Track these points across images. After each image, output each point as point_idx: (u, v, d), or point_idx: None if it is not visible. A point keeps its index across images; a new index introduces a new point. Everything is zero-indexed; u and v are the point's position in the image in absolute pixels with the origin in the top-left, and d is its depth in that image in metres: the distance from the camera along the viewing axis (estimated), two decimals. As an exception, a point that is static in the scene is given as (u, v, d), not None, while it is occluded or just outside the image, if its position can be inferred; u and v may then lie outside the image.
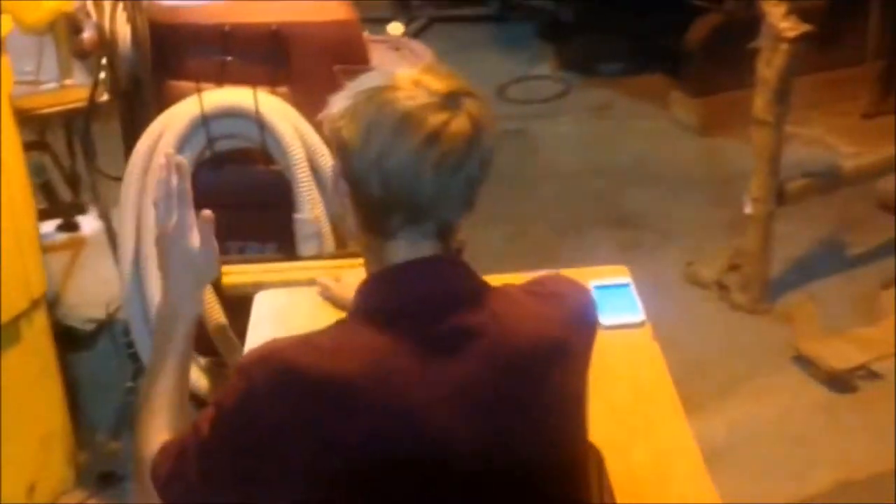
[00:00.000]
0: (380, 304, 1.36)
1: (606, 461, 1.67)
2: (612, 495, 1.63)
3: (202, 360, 2.76)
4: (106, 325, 3.30)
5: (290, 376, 1.28)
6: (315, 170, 2.69)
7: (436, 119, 1.31)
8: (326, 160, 2.65)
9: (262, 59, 2.71)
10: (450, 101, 1.33)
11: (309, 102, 2.68)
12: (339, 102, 1.38)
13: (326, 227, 2.70)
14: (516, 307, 1.40)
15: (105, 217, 3.22)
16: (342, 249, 2.65)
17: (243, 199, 2.77)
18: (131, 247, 2.69)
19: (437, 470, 1.30)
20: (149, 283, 2.68)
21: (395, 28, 3.02)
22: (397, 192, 1.33)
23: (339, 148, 1.38)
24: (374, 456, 1.27)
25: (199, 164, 2.66)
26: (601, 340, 1.73)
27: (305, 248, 2.67)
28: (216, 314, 2.70)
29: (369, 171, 1.33)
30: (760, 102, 3.41)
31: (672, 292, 3.71)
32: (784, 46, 3.27)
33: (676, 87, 5.29)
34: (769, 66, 3.34)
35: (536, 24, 6.41)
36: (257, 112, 2.61)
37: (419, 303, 1.35)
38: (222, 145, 2.70)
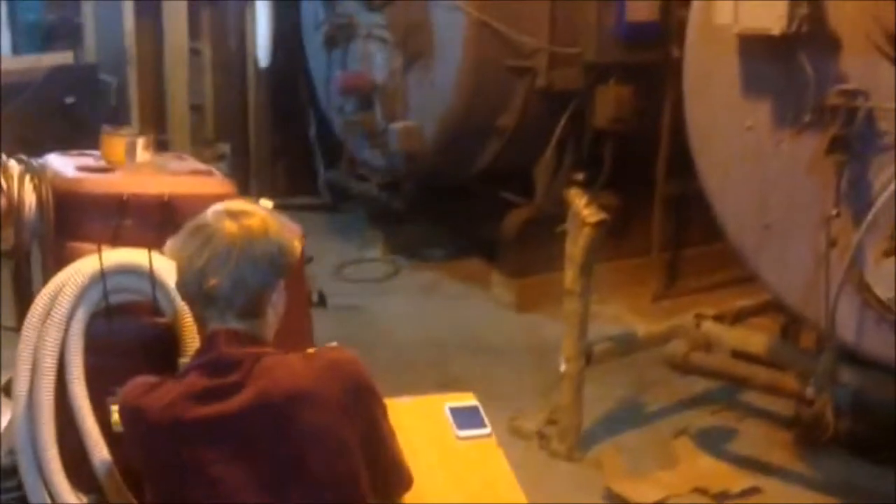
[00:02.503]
0: (189, 364, 2.00)
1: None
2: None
3: (85, 498, 2.96)
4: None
5: (123, 402, 2.01)
6: (198, 321, 3.05)
7: (212, 226, 1.95)
8: (208, 313, 3.04)
9: (154, 225, 3.09)
10: (230, 215, 1.96)
11: (194, 264, 3.08)
12: None
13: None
14: (282, 367, 1.95)
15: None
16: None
17: (131, 348, 3.08)
18: (25, 392, 2.92)
19: (208, 486, 1.86)
20: (41, 429, 2.90)
21: (266, 203, 3.48)
22: (191, 287, 1.96)
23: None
24: (155, 463, 1.95)
25: (94, 315, 2.98)
26: (458, 448, 2.18)
27: (188, 390, 2.99)
28: (101, 452, 2.94)
29: (178, 275, 1.99)
30: (569, 276, 4.05)
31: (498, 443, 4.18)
32: (586, 229, 3.95)
33: (495, 270, 5.98)
34: (575, 246, 4.01)
35: (366, 213, 7.05)
36: (151, 269, 2.98)
37: (209, 364, 1.92)
38: (116, 298, 3.03)
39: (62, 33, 7.97)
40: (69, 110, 7.00)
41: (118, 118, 6.99)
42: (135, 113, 7.74)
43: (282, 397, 1.89)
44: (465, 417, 2.47)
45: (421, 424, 2.41)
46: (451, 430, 2.41)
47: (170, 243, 2.01)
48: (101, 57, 7.87)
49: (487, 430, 2.45)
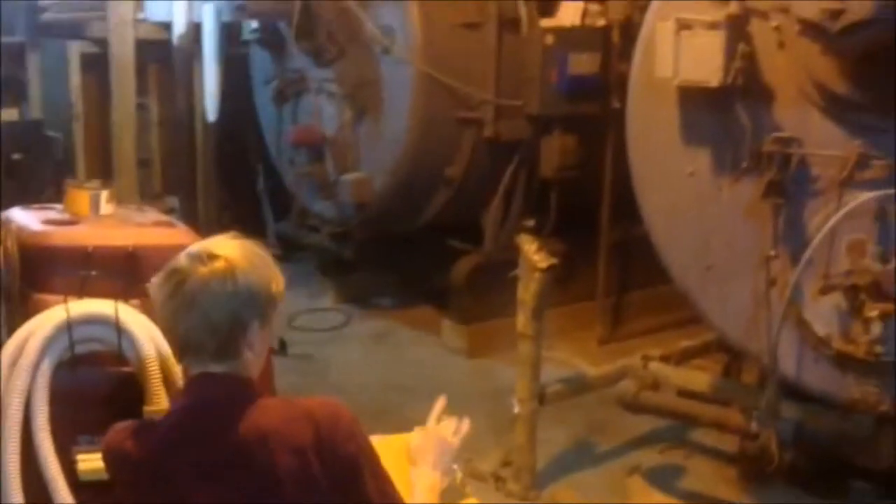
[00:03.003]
0: (171, 407, 2.11)
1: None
2: None
3: (50, 545, 2.98)
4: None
5: (108, 447, 2.04)
6: (164, 369, 3.10)
7: (182, 270, 1.98)
8: (172, 359, 3.10)
9: (118, 275, 3.16)
10: (200, 258, 1.98)
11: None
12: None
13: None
14: (258, 409, 1.98)
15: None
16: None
17: (97, 397, 3.13)
18: (-9, 438, 2.94)
19: None
20: (7, 477, 2.92)
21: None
22: (168, 333, 2.02)
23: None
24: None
25: (59, 364, 3.02)
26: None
27: (154, 437, 3.04)
28: (65, 500, 2.97)
29: (159, 319, 2.02)
30: (522, 320, 4.17)
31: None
32: (537, 274, 4.08)
33: (445, 316, 6.08)
34: (527, 291, 4.13)
35: (316, 263, 7.13)
36: (117, 318, 3.04)
37: (189, 407, 2.00)
38: (82, 348, 3.07)
39: (7, 90, 7.97)
40: (15, 167, 6.99)
41: (64, 174, 6.99)
42: (81, 168, 7.75)
43: (254, 438, 1.94)
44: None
45: (388, 462, 2.48)
46: (419, 466, 2.49)
47: (151, 285, 2.03)
48: (46, 113, 7.88)
49: (453, 467, 2.54)
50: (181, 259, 2.00)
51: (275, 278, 2.05)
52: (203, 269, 1.96)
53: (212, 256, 1.98)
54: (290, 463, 1.93)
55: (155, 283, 2.02)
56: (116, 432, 2.05)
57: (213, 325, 1.96)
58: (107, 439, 2.05)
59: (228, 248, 2.01)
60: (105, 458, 2.06)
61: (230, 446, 1.94)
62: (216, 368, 2.00)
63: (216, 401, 1.99)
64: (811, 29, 3.24)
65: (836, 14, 3.11)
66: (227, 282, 1.95)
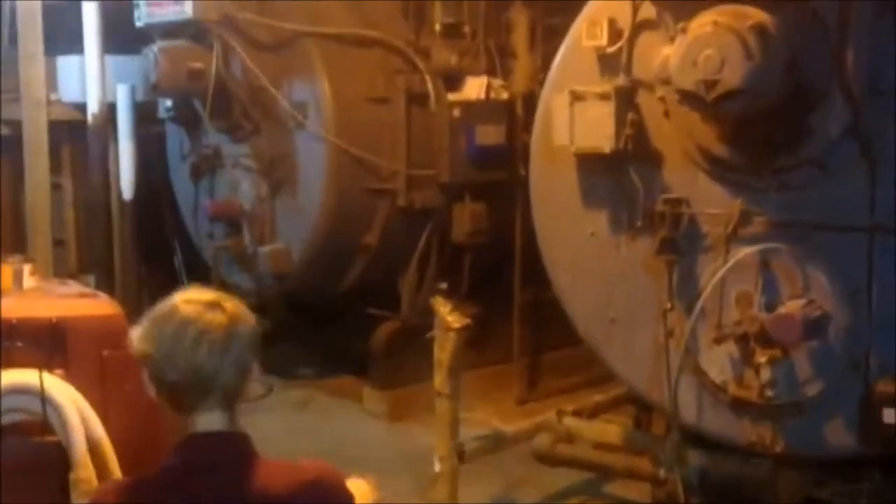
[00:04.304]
0: (169, 461, 2.00)
1: None
2: None
3: None
4: None
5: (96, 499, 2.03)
6: (89, 438, 3.17)
7: (200, 320, 1.96)
8: (98, 427, 3.18)
9: (43, 346, 3.24)
10: (210, 306, 1.99)
11: (83, 381, 3.24)
12: (137, 329, 2.02)
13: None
14: (265, 473, 2.00)
15: None
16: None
17: (21, 467, 3.17)
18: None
19: None
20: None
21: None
22: (186, 376, 1.97)
23: (143, 358, 2.01)
24: None
25: (-16, 436, 3.07)
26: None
27: (80, 504, 3.10)
28: (-8, 572, 3.00)
29: (165, 365, 1.97)
30: (439, 379, 4.32)
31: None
32: (452, 334, 4.25)
33: (366, 383, 6.20)
34: (443, 350, 4.29)
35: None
36: (42, 389, 3.11)
37: (187, 466, 1.97)
38: (7, 419, 3.13)
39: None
40: (-74, 248, 6.91)
41: (-23, 254, 6.94)
42: (-6, 248, 7.69)
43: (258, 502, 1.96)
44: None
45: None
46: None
47: (143, 339, 2.00)
48: (-39, 195, 7.83)
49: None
50: (188, 311, 1.97)
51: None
52: (222, 317, 1.96)
53: (219, 302, 1.98)
54: None
55: (160, 335, 1.97)
56: (107, 490, 2.06)
57: (244, 367, 2.00)
58: (95, 497, 2.05)
59: (217, 296, 2.02)
60: None
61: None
62: (218, 418, 1.99)
63: (219, 460, 1.98)
64: (690, 98, 3.52)
65: (710, 85, 3.40)
66: (246, 324, 1.99)
